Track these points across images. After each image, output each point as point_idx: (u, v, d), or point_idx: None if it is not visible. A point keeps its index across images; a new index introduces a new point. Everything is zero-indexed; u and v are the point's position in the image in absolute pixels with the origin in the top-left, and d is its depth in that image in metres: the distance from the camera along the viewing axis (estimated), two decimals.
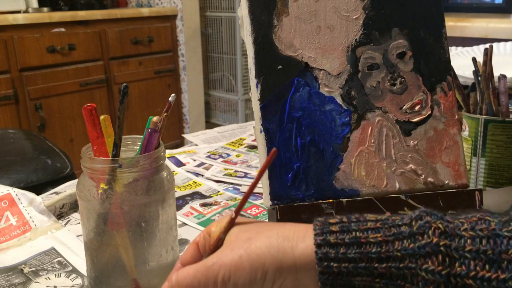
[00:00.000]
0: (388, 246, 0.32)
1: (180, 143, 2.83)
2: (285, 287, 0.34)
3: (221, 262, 0.35)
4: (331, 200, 0.52)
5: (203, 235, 0.39)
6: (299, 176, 0.52)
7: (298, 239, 0.34)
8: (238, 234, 0.37)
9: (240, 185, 0.79)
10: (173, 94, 0.47)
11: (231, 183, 0.80)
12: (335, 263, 0.33)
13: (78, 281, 0.53)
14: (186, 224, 0.66)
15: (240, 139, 1.02)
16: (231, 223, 0.38)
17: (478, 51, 1.24)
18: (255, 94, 0.52)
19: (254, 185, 0.38)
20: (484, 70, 0.66)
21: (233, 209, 0.44)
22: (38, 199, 0.66)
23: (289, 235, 0.35)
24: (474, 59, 0.68)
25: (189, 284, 0.36)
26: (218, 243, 0.37)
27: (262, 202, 0.71)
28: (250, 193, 0.38)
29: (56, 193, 0.76)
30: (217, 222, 0.40)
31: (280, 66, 0.52)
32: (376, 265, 0.32)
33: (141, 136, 0.49)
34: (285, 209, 0.51)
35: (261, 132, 0.52)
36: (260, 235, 0.36)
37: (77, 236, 0.61)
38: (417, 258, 0.31)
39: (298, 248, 0.34)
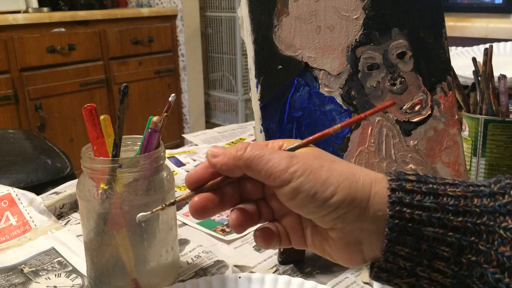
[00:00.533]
0: (466, 201, 0.31)
1: (180, 143, 2.83)
2: (344, 218, 0.32)
3: (302, 160, 0.33)
4: None
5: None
6: None
7: (374, 180, 0.33)
8: (315, 154, 0.35)
9: None
10: (173, 94, 0.47)
11: None
12: (408, 209, 0.31)
13: (78, 281, 0.53)
14: (186, 224, 0.66)
15: (240, 139, 1.02)
16: (302, 145, 0.36)
17: (478, 51, 1.24)
18: (255, 94, 0.52)
19: (354, 121, 0.37)
20: (484, 70, 0.66)
21: None
22: (38, 199, 0.66)
23: (368, 173, 0.34)
24: (474, 59, 0.68)
25: (260, 158, 0.33)
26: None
27: None
28: (336, 129, 0.36)
29: (56, 193, 0.76)
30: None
31: (280, 66, 0.52)
32: (452, 217, 0.31)
33: (141, 136, 0.49)
34: None
35: (261, 132, 0.52)
36: (340, 162, 0.34)
37: (77, 236, 0.61)
38: (497, 216, 0.30)
39: (375, 187, 0.32)
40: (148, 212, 0.37)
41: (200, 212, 0.35)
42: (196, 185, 0.36)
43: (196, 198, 0.35)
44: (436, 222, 0.31)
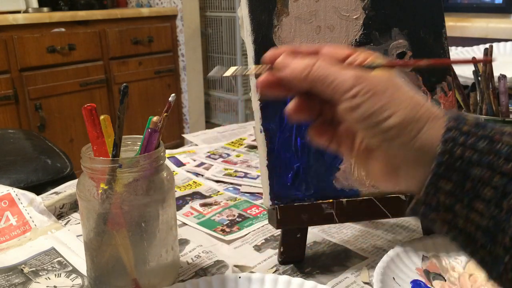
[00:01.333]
0: None
1: (180, 143, 2.83)
2: (391, 142, 0.34)
3: (368, 81, 0.34)
4: (331, 200, 0.52)
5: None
6: (299, 176, 0.52)
7: (433, 116, 0.34)
8: (386, 78, 0.36)
9: (240, 185, 0.79)
10: (173, 94, 0.47)
11: (231, 183, 0.80)
12: (460, 148, 0.32)
13: (78, 281, 0.53)
14: (186, 224, 0.66)
15: (240, 139, 1.02)
16: (384, 66, 0.36)
17: (478, 51, 1.24)
18: (255, 94, 0.52)
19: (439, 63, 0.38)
20: (484, 70, 0.66)
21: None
22: (38, 199, 0.66)
23: (429, 108, 0.34)
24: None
25: (328, 74, 0.35)
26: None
27: (262, 202, 0.71)
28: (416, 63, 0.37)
29: (56, 193, 0.76)
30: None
31: None
32: (502, 162, 0.31)
33: (141, 136, 0.49)
34: (285, 209, 0.51)
35: (261, 132, 0.52)
36: (406, 91, 0.35)
37: (77, 236, 0.61)
38: None
39: (431, 123, 0.34)
40: (229, 71, 0.38)
41: (268, 86, 0.37)
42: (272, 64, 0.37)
43: (268, 74, 0.37)
44: (485, 164, 0.31)
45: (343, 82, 0.34)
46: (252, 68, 0.38)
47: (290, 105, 0.38)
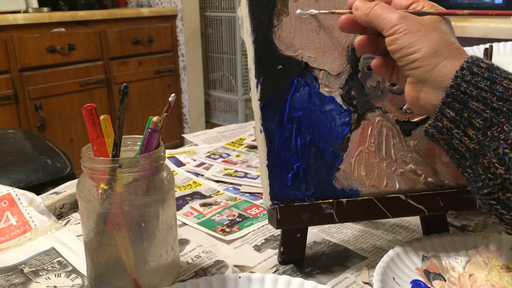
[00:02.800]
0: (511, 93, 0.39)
1: (180, 143, 2.83)
2: (414, 71, 0.43)
3: (408, 22, 0.44)
4: (331, 200, 0.52)
5: None
6: (299, 176, 0.52)
7: (452, 56, 0.42)
8: (427, 21, 0.45)
9: (240, 185, 0.79)
10: (173, 94, 0.47)
11: (231, 183, 0.80)
12: (465, 84, 0.40)
13: (78, 281, 0.53)
14: (186, 224, 0.66)
15: (240, 139, 1.02)
16: (432, 14, 0.45)
17: (478, 51, 1.24)
18: (255, 94, 0.52)
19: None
20: None
21: None
22: (38, 199, 0.66)
23: (452, 50, 0.43)
24: None
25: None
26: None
27: (262, 202, 0.71)
28: None
29: (56, 193, 0.76)
30: None
31: (280, 66, 0.52)
32: (494, 99, 0.39)
33: (141, 136, 0.49)
34: (285, 209, 0.51)
35: (261, 132, 0.52)
36: (436, 33, 0.44)
37: (77, 236, 0.61)
38: None
39: (449, 61, 0.42)
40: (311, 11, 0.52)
41: (346, 24, 0.49)
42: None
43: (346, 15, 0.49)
44: (481, 99, 0.40)
45: (389, 21, 0.45)
46: (340, 10, 0.51)
47: (358, 39, 0.49)
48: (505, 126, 0.39)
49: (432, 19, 0.45)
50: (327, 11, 0.51)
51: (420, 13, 0.45)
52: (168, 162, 0.82)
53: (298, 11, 0.52)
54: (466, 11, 0.46)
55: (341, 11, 0.50)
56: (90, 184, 0.47)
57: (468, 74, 0.40)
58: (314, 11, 0.52)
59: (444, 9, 0.46)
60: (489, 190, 0.40)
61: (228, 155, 0.93)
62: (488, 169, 0.39)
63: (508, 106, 0.39)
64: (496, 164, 0.39)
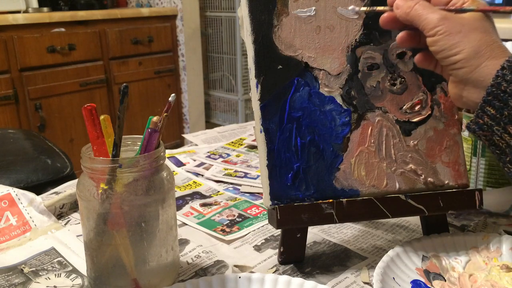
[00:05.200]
0: None
1: (180, 143, 2.83)
2: (457, 71, 0.44)
3: (449, 23, 0.44)
4: (331, 200, 0.52)
5: None
6: (299, 176, 0.52)
7: (493, 56, 0.43)
8: (467, 21, 0.45)
9: (240, 185, 0.79)
10: (173, 94, 0.47)
11: (231, 183, 0.80)
12: (505, 83, 0.41)
13: (78, 281, 0.53)
14: (186, 224, 0.66)
15: (240, 139, 1.02)
16: (473, 10, 0.46)
17: None
18: (255, 94, 0.52)
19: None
20: None
21: None
22: (38, 199, 0.66)
23: (493, 50, 0.44)
24: None
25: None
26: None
27: (262, 202, 0.71)
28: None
29: (56, 193, 0.76)
30: None
31: (280, 66, 0.52)
32: None
33: (141, 136, 0.49)
34: (285, 209, 0.51)
35: (261, 132, 0.52)
36: (477, 33, 0.44)
37: (77, 236, 0.61)
38: None
39: (490, 61, 0.43)
40: (364, 8, 0.53)
41: (387, 21, 0.49)
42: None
43: (388, 13, 0.50)
44: None
45: (430, 21, 0.45)
46: (380, 7, 0.51)
47: (400, 35, 0.50)
48: None
49: (473, 17, 0.45)
50: (368, 8, 0.52)
51: (461, 10, 0.46)
52: (168, 162, 0.82)
53: (342, 8, 0.53)
54: (508, 8, 0.46)
55: (382, 8, 0.50)
56: (90, 184, 0.47)
57: (509, 73, 0.41)
58: (357, 8, 0.53)
59: (486, 4, 0.46)
60: None
61: (228, 155, 0.93)
62: None
63: None
64: None
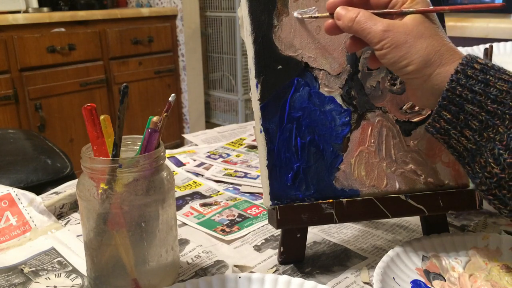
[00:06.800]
0: (506, 95, 0.40)
1: (180, 143, 2.83)
2: (411, 81, 0.45)
3: (393, 35, 0.44)
4: (331, 200, 0.52)
5: None
6: (299, 176, 0.52)
7: (444, 62, 0.43)
8: (411, 27, 0.44)
9: (240, 185, 0.79)
10: (173, 94, 0.47)
11: (231, 183, 0.80)
12: (460, 88, 0.42)
13: (78, 281, 0.53)
14: (186, 224, 0.66)
15: (240, 139, 1.02)
16: (415, 12, 0.45)
17: (478, 51, 1.24)
18: (255, 94, 0.52)
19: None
20: None
21: None
22: (38, 199, 0.66)
23: (442, 55, 0.43)
24: None
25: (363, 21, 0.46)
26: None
27: (262, 202, 0.71)
28: None
29: (56, 193, 0.76)
30: None
31: (280, 66, 0.52)
32: (489, 103, 0.41)
33: (141, 136, 0.49)
34: (285, 209, 0.51)
35: (261, 132, 0.52)
36: (424, 39, 0.44)
37: (77, 236, 0.61)
38: None
39: (442, 67, 0.43)
40: (311, 10, 0.52)
41: (332, 30, 0.49)
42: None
43: (331, 21, 0.49)
44: (476, 102, 0.41)
45: (374, 35, 0.45)
46: (319, 14, 0.51)
47: (348, 42, 0.50)
48: (500, 128, 0.40)
49: (416, 21, 0.44)
50: (310, 15, 0.51)
51: (401, 13, 0.45)
52: (168, 162, 0.82)
53: (295, 13, 0.52)
54: (446, 8, 0.46)
55: (322, 15, 0.50)
56: (90, 184, 0.47)
57: (463, 77, 0.42)
58: (299, 16, 0.52)
59: (428, 3, 0.46)
60: (486, 187, 0.42)
61: (228, 155, 0.93)
62: (485, 168, 0.41)
63: (502, 109, 0.40)
64: (492, 164, 0.41)
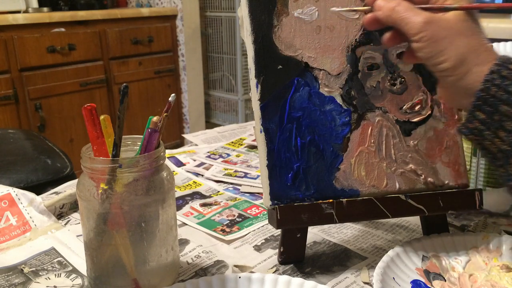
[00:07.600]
0: None
1: (180, 143, 2.83)
2: (445, 78, 0.44)
3: (433, 28, 0.43)
4: (331, 200, 0.52)
5: None
6: (299, 176, 0.52)
7: (481, 62, 0.42)
8: (452, 23, 0.44)
9: (240, 185, 0.79)
10: (173, 94, 0.47)
11: (231, 183, 0.80)
12: (494, 88, 0.41)
13: (78, 281, 0.53)
14: (186, 224, 0.66)
15: (240, 139, 1.02)
16: (457, 8, 0.44)
17: None
18: (255, 94, 0.52)
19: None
20: None
21: None
22: (38, 199, 0.66)
23: (480, 55, 0.43)
24: None
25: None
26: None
27: (262, 202, 0.71)
28: None
29: (56, 193, 0.76)
30: None
31: (280, 66, 0.52)
32: None
33: (141, 136, 0.49)
34: (285, 209, 0.51)
35: (261, 132, 0.52)
36: (463, 38, 0.43)
37: (77, 236, 0.61)
38: None
39: (478, 67, 0.42)
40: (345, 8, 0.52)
41: (371, 23, 0.48)
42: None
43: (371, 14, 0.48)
44: (511, 103, 0.40)
45: (413, 26, 0.44)
46: (359, 8, 0.51)
47: (386, 35, 0.48)
48: None
49: (457, 18, 0.44)
50: (350, 8, 0.52)
51: (444, 9, 0.44)
52: (168, 162, 0.82)
53: (333, 8, 0.52)
54: (493, 5, 0.46)
55: (362, 8, 0.50)
56: (90, 184, 0.47)
57: (498, 77, 0.41)
58: (336, 9, 0.52)
59: (470, 1, 0.45)
60: None
61: (228, 155, 0.93)
62: None
63: None
64: None
